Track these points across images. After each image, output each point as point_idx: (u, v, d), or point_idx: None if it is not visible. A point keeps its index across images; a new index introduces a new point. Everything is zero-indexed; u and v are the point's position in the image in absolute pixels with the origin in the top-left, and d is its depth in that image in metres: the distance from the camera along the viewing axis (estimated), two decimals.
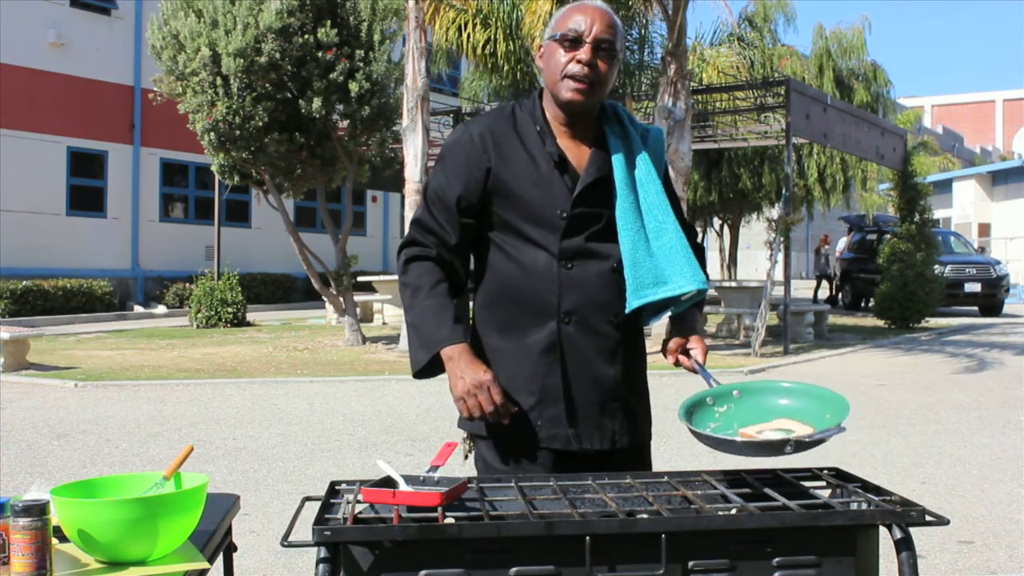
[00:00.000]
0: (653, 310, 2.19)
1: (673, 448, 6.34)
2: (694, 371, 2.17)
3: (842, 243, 24.93)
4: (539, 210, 2.13)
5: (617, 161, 2.17)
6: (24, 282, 17.38)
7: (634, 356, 2.23)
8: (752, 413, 1.98)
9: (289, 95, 13.07)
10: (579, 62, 2.11)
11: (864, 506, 1.76)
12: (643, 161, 2.21)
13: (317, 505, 1.78)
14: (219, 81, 12.51)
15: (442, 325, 2.11)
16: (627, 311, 2.14)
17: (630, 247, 2.13)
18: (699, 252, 2.29)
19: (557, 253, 2.12)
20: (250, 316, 17.95)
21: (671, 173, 13.37)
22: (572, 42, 2.13)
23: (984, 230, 34.88)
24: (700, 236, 29.93)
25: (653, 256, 2.15)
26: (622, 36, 2.20)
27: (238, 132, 12.75)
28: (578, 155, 2.19)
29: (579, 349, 2.14)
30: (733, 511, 1.75)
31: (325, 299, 15.33)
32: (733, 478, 1.99)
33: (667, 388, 7.78)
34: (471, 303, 2.32)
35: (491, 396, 2.05)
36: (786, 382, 2.07)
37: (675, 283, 2.14)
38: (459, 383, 2.07)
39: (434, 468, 1.85)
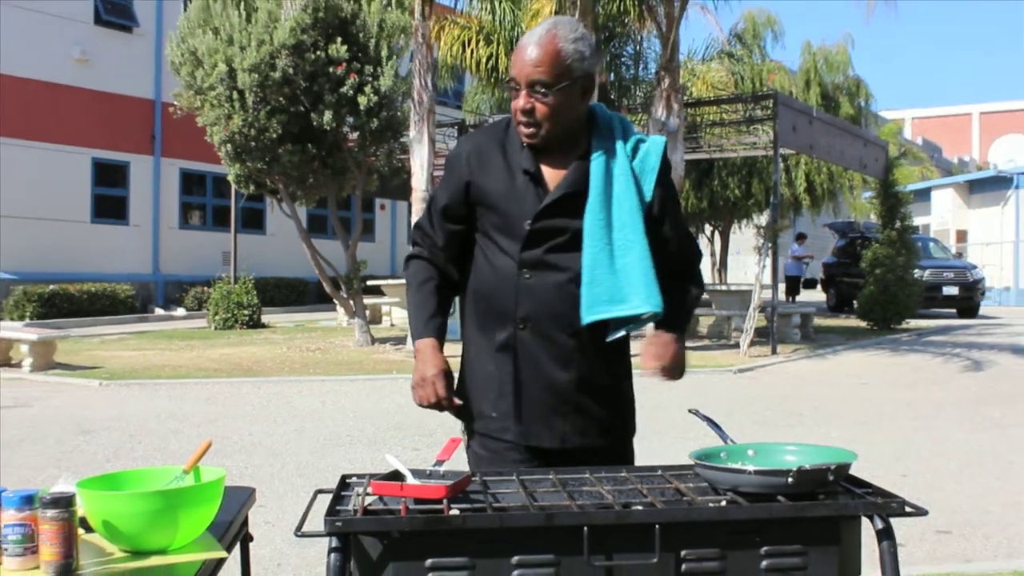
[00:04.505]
0: (615, 325, 2.14)
1: (667, 443, 6.34)
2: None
3: (795, 246, 24.93)
4: (508, 220, 2.15)
5: (595, 177, 2.12)
6: (51, 286, 17.37)
7: (597, 362, 2.18)
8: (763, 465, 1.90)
9: (302, 108, 13.07)
10: (518, 109, 2.11)
11: (847, 498, 1.77)
12: (623, 176, 2.14)
13: (329, 497, 1.79)
14: (235, 95, 12.52)
15: (418, 320, 2.24)
16: (583, 324, 2.11)
17: (590, 263, 2.10)
18: (697, 257, 2.30)
19: (518, 262, 2.14)
20: (265, 318, 17.93)
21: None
22: (513, 88, 2.11)
23: (961, 236, 34.80)
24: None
25: (616, 274, 2.10)
26: (568, 62, 2.06)
27: (253, 144, 12.76)
28: (561, 169, 2.16)
29: (532, 353, 2.15)
30: (723, 503, 1.75)
31: (336, 302, 15.34)
32: None
33: (661, 387, 7.77)
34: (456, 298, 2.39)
35: (434, 390, 2.15)
36: (794, 444, 1.99)
37: (631, 303, 2.10)
38: (414, 374, 2.19)
39: (440, 462, 1.85)
